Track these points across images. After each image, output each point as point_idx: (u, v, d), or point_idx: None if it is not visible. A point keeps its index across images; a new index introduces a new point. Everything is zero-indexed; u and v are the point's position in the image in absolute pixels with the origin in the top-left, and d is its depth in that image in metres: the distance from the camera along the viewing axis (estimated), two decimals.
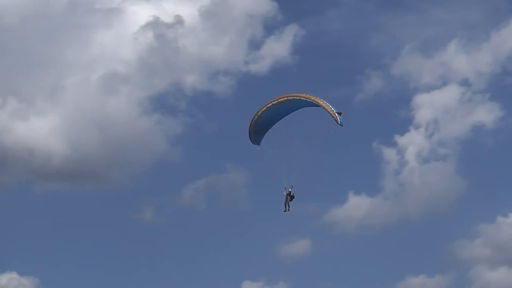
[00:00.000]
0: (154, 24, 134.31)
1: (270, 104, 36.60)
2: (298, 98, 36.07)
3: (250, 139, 39.02)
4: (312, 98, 35.48)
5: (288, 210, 39.71)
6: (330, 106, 35.38)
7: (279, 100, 36.54)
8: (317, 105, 35.85)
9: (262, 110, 36.71)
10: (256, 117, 37.05)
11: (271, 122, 37.97)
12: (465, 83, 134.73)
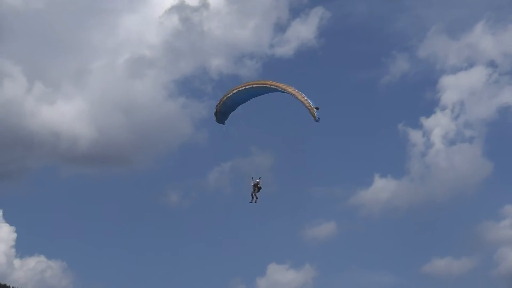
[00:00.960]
0: (180, 8, 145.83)
1: (243, 88, 36.34)
2: (275, 87, 35.50)
3: (216, 118, 38.69)
4: (290, 90, 34.89)
5: (256, 202, 39.53)
6: (308, 101, 34.90)
7: (253, 85, 36.38)
8: (295, 98, 35.31)
9: (233, 92, 36.48)
10: (225, 98, 36.87)
11: (238, 104, 37.68)
12: (492, 64, 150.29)
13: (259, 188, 39.08)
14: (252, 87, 36.20)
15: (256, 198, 39.30)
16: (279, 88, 35.14)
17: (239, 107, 38.06)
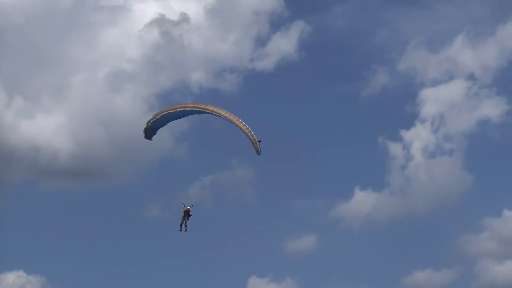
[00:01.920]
0: (160, 22, 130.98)
1: (181, 109, 36.33)
2: (217, 114, 35.34)
3: (145, 133, 38.19)
4: (234, 120, 34.88)
5: (185, 230, 38.98)
6: (252, 133, 34.89)
7: (195, 108, 36.36)
8: (239, 129, 35.06)
9: (169, 111, 36.24)
10: (159, 115, 36.56)
11: (171, 121, 37.53)
12: (471, 77, 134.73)
13: (189, 216, 38.60)
14: (192, 109, 36.56)
15: (186, 226, 38.76)
16: (222, 116, 35.24)
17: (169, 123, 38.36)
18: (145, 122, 36.20)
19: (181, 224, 38.61)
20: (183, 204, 38.41)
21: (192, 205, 38.62)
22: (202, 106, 36.09)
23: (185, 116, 37.72)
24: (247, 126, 35.07)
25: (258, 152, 35.43)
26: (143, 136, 36.68)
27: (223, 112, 35.06)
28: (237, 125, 35.00)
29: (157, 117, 36.78)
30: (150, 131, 38.00)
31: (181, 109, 36.32)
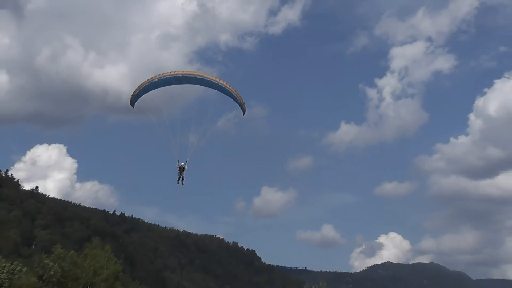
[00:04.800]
0: None
1: (171, 75, 38.50)
2: (208, 79, 37.65)
3: (130, 101, 40.70)
4: (223, 83, 37.33)
5: (182, 183, 41.19)
6: (241, 96, 37.88)
7: (185, 74, 38.48)
8: (224, 89, 37.87)
9: (161, 78, 38.39)
10: (148, 83, 38.91)
11: (151, 89, 39.83)
12: (429, 40, 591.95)
13: (183, 169, 40.84)
14: (182, 76, 38.55)
15: (182, 179, 41.03)
16: (210, 80, 37.58)
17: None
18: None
19: (178, 179, 41.36)
20: (178, 161, 40.94)
21: (186, 161, 40.95)
22: (191, 72, 38.59)
23: (170, 84, 39.20)
24: (236, 90, 37.47)
25: (244, 113, 38.84)
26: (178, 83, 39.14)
27: (213, 78, 37.42)
28: (228, 89, 37.53)
29: (144, 84, 38.91)
30: (134, 99, 40.72)
31: (166, 76, 38.07)
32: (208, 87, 38.73)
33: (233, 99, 38.79)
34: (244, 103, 39.12)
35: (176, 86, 40.17)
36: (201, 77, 38.03)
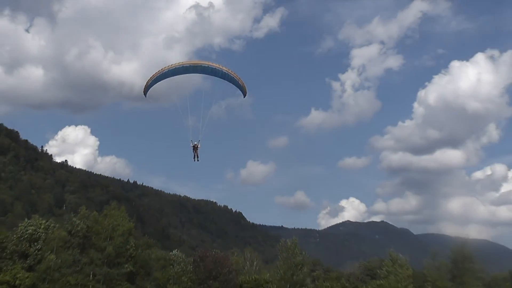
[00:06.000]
0: (196, 7, 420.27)
1: (180, 65, 35.46)
2: (212, 66, 34.94)
3: (144, 91, 37.34)
4: (225, 69, 34.87)
5: (197, 160, 38.29)
6: (242, 80, 35.29)
7: (192, 64, 35.80)
8: (227, 75, 35.22)
9: (170, 68, 35.38)
10: (159, 74, 35.61)
11: (165, 78, 36.42)
12: (382, 43, 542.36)
13: (197, 148, 37.73)
14: (190, 65, 35.62)
15: (197, 157, 38.13)
16: (214, 68, 34.88)
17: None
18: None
19: (194, 157, 38.14)
20: (192, 141, 37.57)
21: (199, 140, 37.57)
22: (197, 62, 35.82)
23: (179, 74, 36.00)
24: (237, 75, 34.70)
25: (245, 95, 36.29)
26: (185, 75, 36.69)
27: (217, 65, 34.75)
28: (230, 74, 34.89)
29: (157, 75, 35.75)
30: (146, 89, 37.24)
31: (175, 67, 35.17)
32: (213, 74, 35.52)
33: (234, 83, 35.73)
34: (245, 86, 35.96)
35: (184, 76, 37.07)
36: (206, 65, 35.18)
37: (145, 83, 37.04)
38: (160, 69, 35.76)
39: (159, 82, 36.95)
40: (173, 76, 35.98)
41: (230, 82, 35.76)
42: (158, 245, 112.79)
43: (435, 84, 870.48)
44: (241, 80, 35.67)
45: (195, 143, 37.64)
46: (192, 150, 37.77)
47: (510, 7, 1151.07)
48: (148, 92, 37.59)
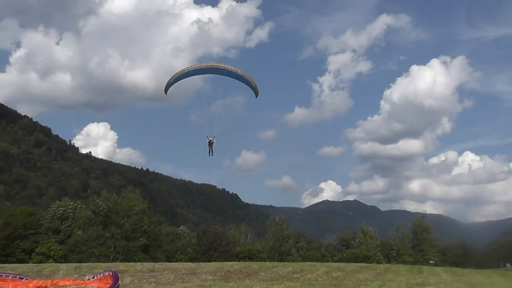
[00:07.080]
0: (198, 22, 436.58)
1: (198, 67, 32.79)
2: (227, 68, 32.40)
3: (166, 89, 34.00)
4: (240, 71, 32.12)
5: (212, 155, 34.52)
6: (255, 82, 32.48)
7: (209, 66, 33.09)
8: (242, 77, 32.48)
9: (189, 70, 32.59)
10: (180, 74, 32.66)
11: (185, 78, 33.47)
12: (354, 51, 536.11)
13: (212, 143, 33.95)
14: (207, 67, 33.00)
15: (212, 152, 34.33)
16: (231, 70, 32.25)
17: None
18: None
19: (209, 151, 34.15)
20: (207, 137, 33.71)
21: (214, 136, 34.01)
22: (215, 64, 33.11)
23: (197, 74, 33.33)
24: (251, 77, 32.04)
25: (257, 95, 33.49)
26: (189, 80, 33.14)
27: (232, 68, 32.21)
28: (245, 76, 32.29)
29: (178, 75, 32.40)
30: (167, 88, 33.78)
31: (194, 68, 32.56)
32: (228, 76, 32.60)
33: (247, 85, 32.84)
34: (257, 87, 32.97)
35: (188, 80, 33.82)
36: (223, 68, 32.43)
37: (165, 83, 33.57)
38: (181, 69, 32.69)
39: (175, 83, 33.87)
40: (193, 76, 33.24)
41: (244, 83, 32.79)
42: (167, 222, 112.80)
43: (398, 84, 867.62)
44: (254, 82, 32.64)
45: (210, 139, 34.00)
46: (207, 145, 33.95)
47: (459, 21, 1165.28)
48: (168, 91, 34.16)
